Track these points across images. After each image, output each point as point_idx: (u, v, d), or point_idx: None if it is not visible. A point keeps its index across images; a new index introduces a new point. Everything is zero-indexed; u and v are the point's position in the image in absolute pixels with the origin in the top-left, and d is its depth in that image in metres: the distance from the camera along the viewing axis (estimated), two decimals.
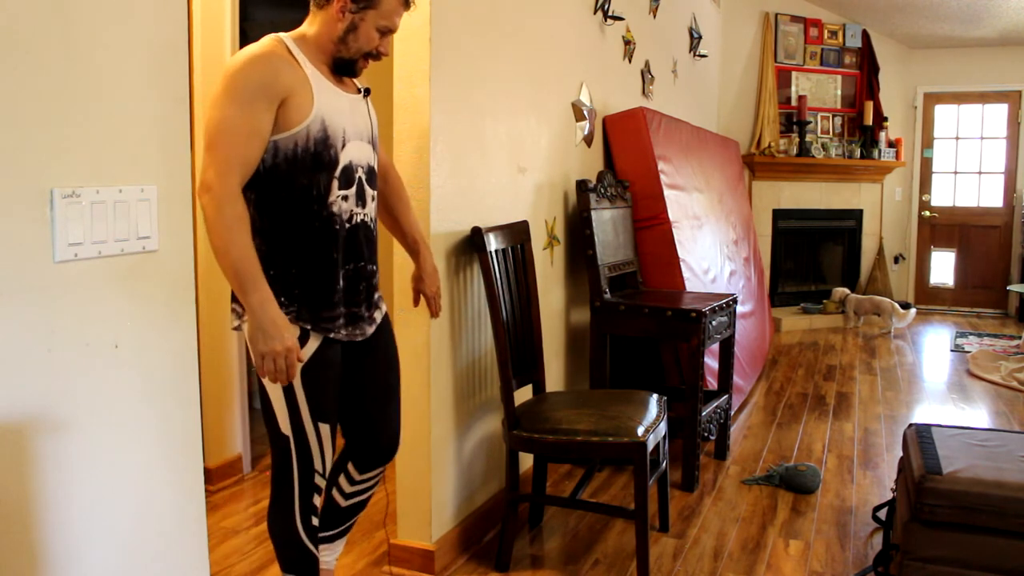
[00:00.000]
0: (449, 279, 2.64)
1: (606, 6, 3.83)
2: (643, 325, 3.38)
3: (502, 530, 2.66)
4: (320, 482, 1.97)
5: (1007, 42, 7.51)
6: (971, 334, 6.76)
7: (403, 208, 2.27)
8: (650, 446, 2.53)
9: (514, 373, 2.71)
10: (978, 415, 4.48)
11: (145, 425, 1.34)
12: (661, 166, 3.92)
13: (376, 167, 2.03)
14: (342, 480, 2.16)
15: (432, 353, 2.56)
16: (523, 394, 2.89)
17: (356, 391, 2.07)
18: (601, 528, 2.97)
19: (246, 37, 3.26)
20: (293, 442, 1.91)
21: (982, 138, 7.88)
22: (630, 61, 4.33)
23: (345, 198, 1.89)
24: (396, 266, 2.54)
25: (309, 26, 1.90)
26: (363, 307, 1.99)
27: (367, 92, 2.02)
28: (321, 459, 1.95)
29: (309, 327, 1.87)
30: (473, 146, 2.74)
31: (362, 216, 1.95)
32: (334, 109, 1.86)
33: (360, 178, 1.94)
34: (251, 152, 1.74)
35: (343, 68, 1.91)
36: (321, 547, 2.18)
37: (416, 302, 2.40)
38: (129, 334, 1.30)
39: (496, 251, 2.70)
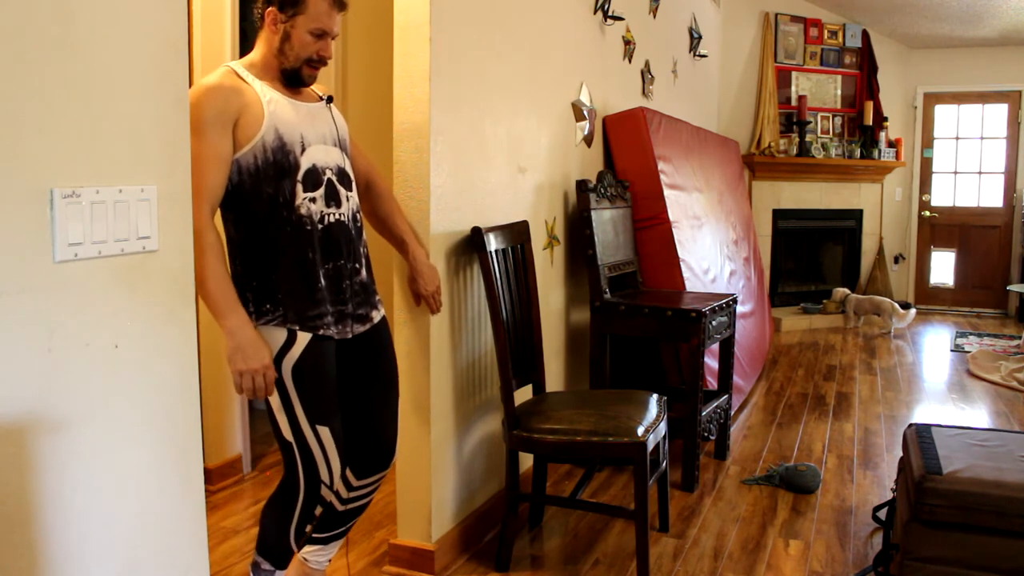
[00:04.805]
0: (449, 279, 2.64)
1: (606, 6, 3.83)
2: (643, 325, 3.38)
3: (502, 530, 2.66)
4: (326, 493, 2.00)
5: (1007, 42, 7.51)
6: (971, 334, 6.76)
7: (388, 209, 2.32)
8: (650, 446, 2.53)
9: (514, 373, 2.71)
10: (978, 415, 4.48)
11: (145, 425, 1.34)
12: (661, 166, 3.92)
13: (348, 169, 2.07)
14: (340, 486, 2.16)
15: (432, 353, 2.56)
16: (523, 394, 2.89)
17: (352, 394, 2.09)
18: (601, 528, 2.97)
19: (246, 37, 3.27)
20: (296, 449, 1.96)
21: (982, 138, 7.88)
22: (630, 61, 4.33)
23: (313, 200, 1.95)
24: (396, 267, 2.54)
25: (256, 51, 1.99)
26: (350, 305, 2.03)
27: (330, 99, 2.10)
28: (327, 469, 1.98)
29: (297, 327, 1.92)
30: (473, 146, 2.74)
31: (336, 216, 2.00)
32: (287, 117, 1.94)
33: (330, 179, 1.99)
34: (217, 178, 1.84)
35: (291, 79, 1.98)
36: (312, 547, 2.21)
37: (417, 302, 2.45)
38: (129, 334, 1.30)
39: (496, 251, 2.70)
